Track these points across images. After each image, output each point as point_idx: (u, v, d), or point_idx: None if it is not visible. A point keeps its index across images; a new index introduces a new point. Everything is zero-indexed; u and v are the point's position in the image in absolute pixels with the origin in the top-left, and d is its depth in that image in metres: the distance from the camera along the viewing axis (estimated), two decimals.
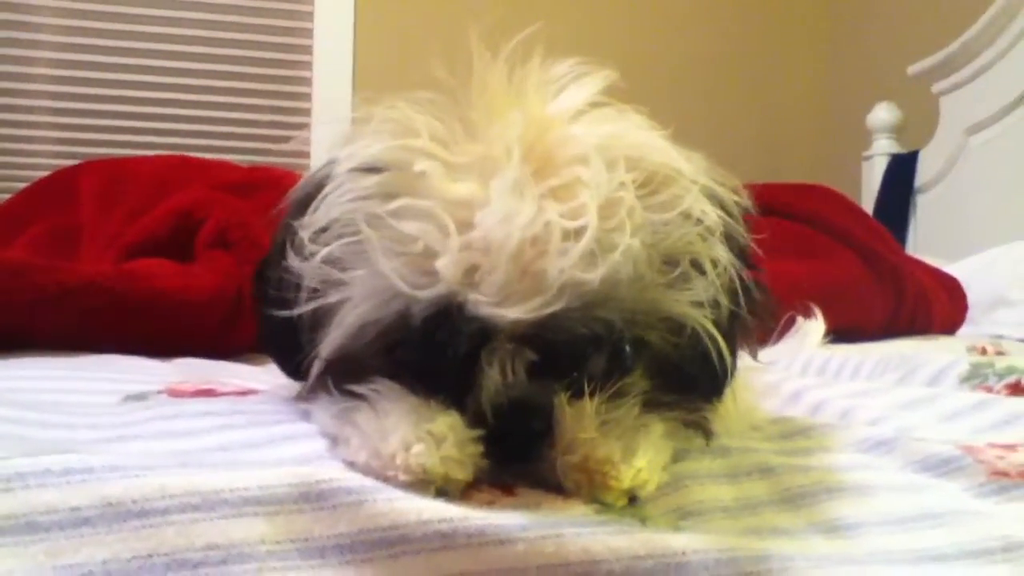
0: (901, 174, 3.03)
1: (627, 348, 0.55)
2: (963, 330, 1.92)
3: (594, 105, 0.59)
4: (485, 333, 0.52)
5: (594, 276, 0.51)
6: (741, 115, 3.54)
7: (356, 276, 0.54)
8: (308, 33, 3.15)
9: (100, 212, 1.19)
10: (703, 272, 0.56)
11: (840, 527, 0.54)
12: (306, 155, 2.75)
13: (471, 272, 0.51)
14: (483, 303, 0.51)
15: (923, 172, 2.97)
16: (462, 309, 0.51)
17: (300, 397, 0.62)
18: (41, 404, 0.63)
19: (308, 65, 3.14)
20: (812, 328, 1.39)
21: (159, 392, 0.68)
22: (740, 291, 0.58)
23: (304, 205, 0.57)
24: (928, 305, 1.80)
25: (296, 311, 0.57)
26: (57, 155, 2.87)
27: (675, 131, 0.60)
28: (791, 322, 1.41)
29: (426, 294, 0.51)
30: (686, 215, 0.55)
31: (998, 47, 2.61)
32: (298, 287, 0.57)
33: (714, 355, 0.57)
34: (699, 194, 0.56)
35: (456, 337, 0.52)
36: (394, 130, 0.55)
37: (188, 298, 0.87)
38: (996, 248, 2.25)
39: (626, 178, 0.53)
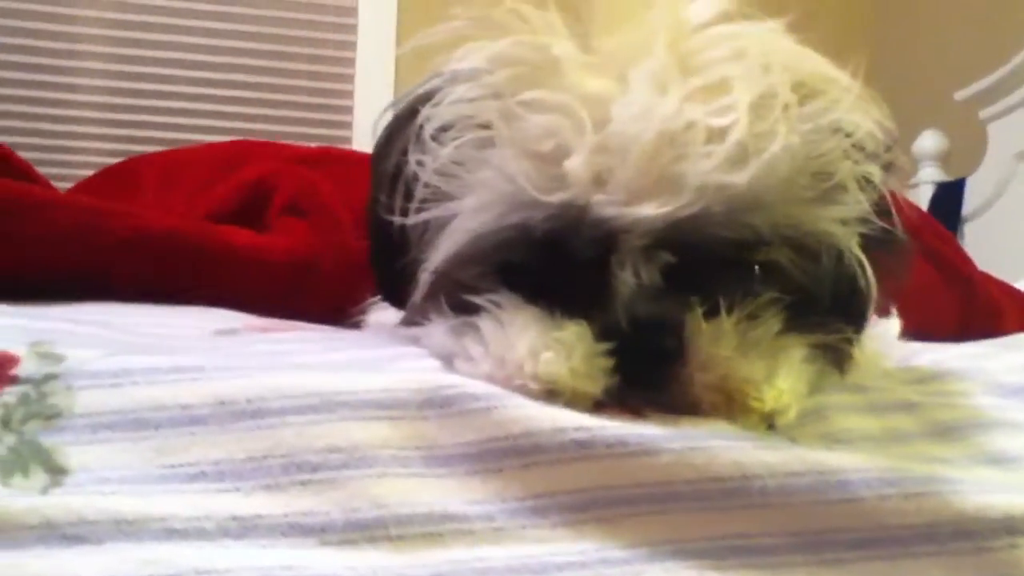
0: (948, 202, 2.97)
1: (768, 262, 0.51)
2: None
3: (732, 15, 0.55)
4: (614, 237, 0.48)
5: (742, 178, 0.47)
6: None
7: (478, 179, 0.50)
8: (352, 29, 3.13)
9: (162, 199, 1.16)
10: (854, 188, 0.52)
11: (1002, 459, 0.50)
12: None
13: (602, 175, 0.47)
14: (610, 203, 0.47)
15: (971, 199, 2.91)
16: (587, 212, 0.48)
17: (407, 321, 0.58)
18: (139, 334, 0.59)
19: (352, 62, 3.12)
20: (889, 325, 1.34)
21: (248, 329, 0.64)
22: (892, 213, 0.54)
23: (423, 102, 0.53)
24: (999, 316, 1.74)
25: (408, 220, 0.53)
26: (106, 152, 2.87)
27: None
28: None
29: (552, 199, 0.48)
30: (838, 127, 0.51)
31: None
32: (409, 193, 0.53)
33: (860, 276, 0.53)
34: (853, 105, 0.52)
35: (581, 242, 0.49)
36: (521, 27, 0.52)
37: (264, 258, 0.84)
38: None
39: (781, 78, 0.49)
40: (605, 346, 0.48)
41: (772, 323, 0.50)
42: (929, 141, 3.10)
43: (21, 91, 2.90)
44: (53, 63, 2.93)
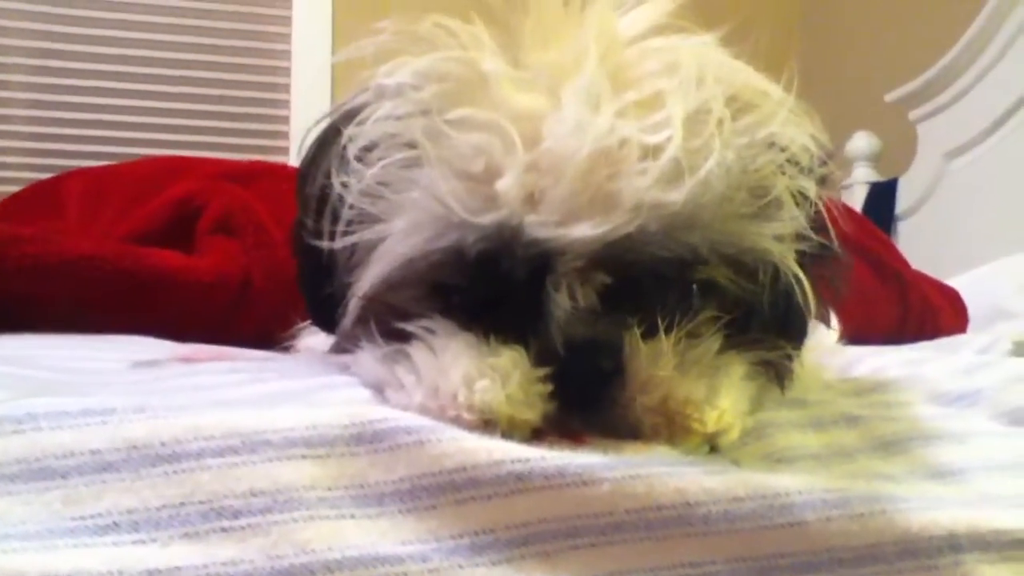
0: (881, 201, 3.03)
1: (705, 280, 0.50)
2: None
3: (666, 27, 0.54)
4: (548, 258, 0.47)
5: (678, 196, 0.45)
6: None
7: (406, 200, 0.48)
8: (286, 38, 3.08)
9: (86, 217, 1.12)
10: (789, 203, 0.51)
11: (945, 472, 0.49)
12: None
13: (535, 194, 0.46)
14: (543, 224, 0.45)
15: (903, 198, 2.97)
16: (520, 233, 0.46)
17: (337, 348, 0.55)
18: (53, 368, 0.56)
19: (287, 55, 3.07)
20: (828, 332, 1.35)
21: (171, 360, 0.61)
22: (827, 228, 0.54)
23: (347, 121, 0.51)
24: (935, 314, 1.77)
25: (335, 243, 0.51)
26: (32, 168, 2.79)
27: None
28: None
29: (484, 220, 0.46)
30: (772, 141, 0.50)
31: (976, 70, 2.62)
32: (335, 215, 0.51)
33: (798, 294, 0.52)
34: (787, 119, 0.51)
35: (515, 263, 0.47)
36: (449, 42, 0.50)
37: (192, 278, 0.81)
38: (992, 263, 2.24)
39: (715, 91, 0.48)
40: (542, 371, 0.46)
41: (712, 341, 0.49)
42: (862, 142, 3.16)
43: None
44: None
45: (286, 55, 3.05)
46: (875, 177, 3.15)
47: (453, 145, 0.46)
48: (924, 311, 1.76)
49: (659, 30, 0.52)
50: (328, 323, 0.57)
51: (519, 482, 0.42)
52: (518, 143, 0.45)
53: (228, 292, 0.83)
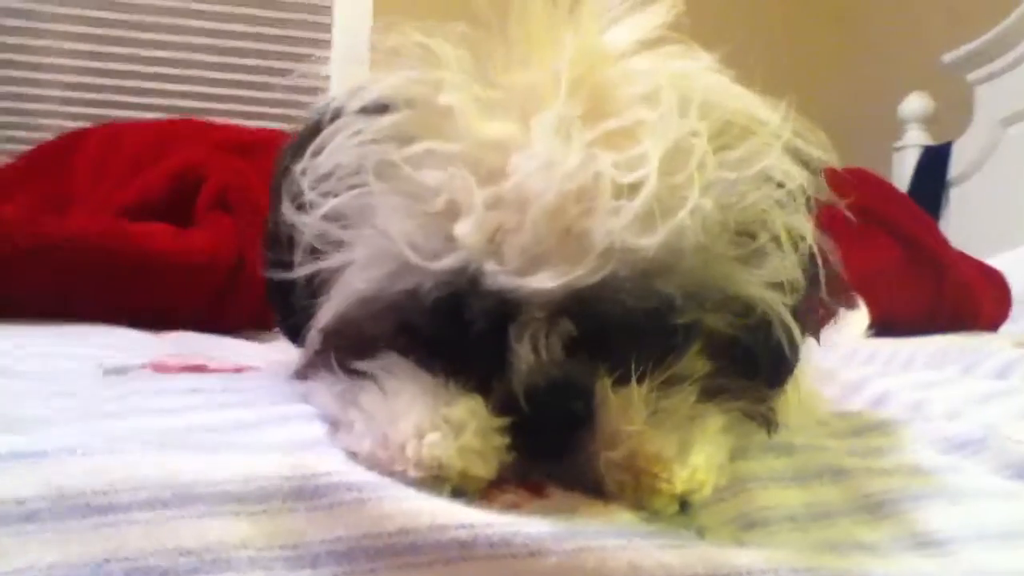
0: (933, 166, 2.93)
1: (687, 327, 0.46)
2: (1004, 327, 1.82)
3: (659, 40, 0.50)
4: (510, 307, 0.44)
5: (651, 241, 0.42)
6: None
7: (361, 237, 0.45)
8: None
9: (92, 180, 1.11)
10: (780, 246, 0.47)
11: (931, 541, 0.46)
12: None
13: (497, 237, 0.42)
14: (504, 272, 0.42)
15: (957, 164, 2.86)
16: (479, 280, 0.43)
17: (299, 373, 0.53)
18: (15, 372, 0.55)
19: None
20: (855, 319, 1.30)
21: (142, 366, 0.60)
22: (820, 269, 0.50)
23: (302, 148, 0.48)
24: (972, 299, 1.71)
25: (293, 274, 0.49)
26: (67, 116, 2.81)
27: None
28: (830, 312, 1.32)
29: (439, 265, 0.43)
30: (766, 176, 0.46)
31: None
32: (293, 245, 0.48)
33: (785, 343, 0.48)
34: (783, 151, 0.47)
35: (474, 312, 0.44)
36: (414, 61, 0.46)
37: (183, 261, 0.79)
38: None
39: (699, 125, 0.44)
40: (502, 421, 0.44)
41: (688, 392, 0.46)
42: (915, 104, 3.05)
43: None
44: (21, 24, 2.83)
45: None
46: (928, 141, 3.04)
47: (410, 182, 0.43)
48: (960, 298, 1.69)
49: (650, 44, 0.48)
50: (296, 341, 0.54)
51: (462, 550, 0.39)
52: (474, 186, 0.41)
53: (219, 274, 0.81)
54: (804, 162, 0.49)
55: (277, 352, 0.61)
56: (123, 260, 0.75)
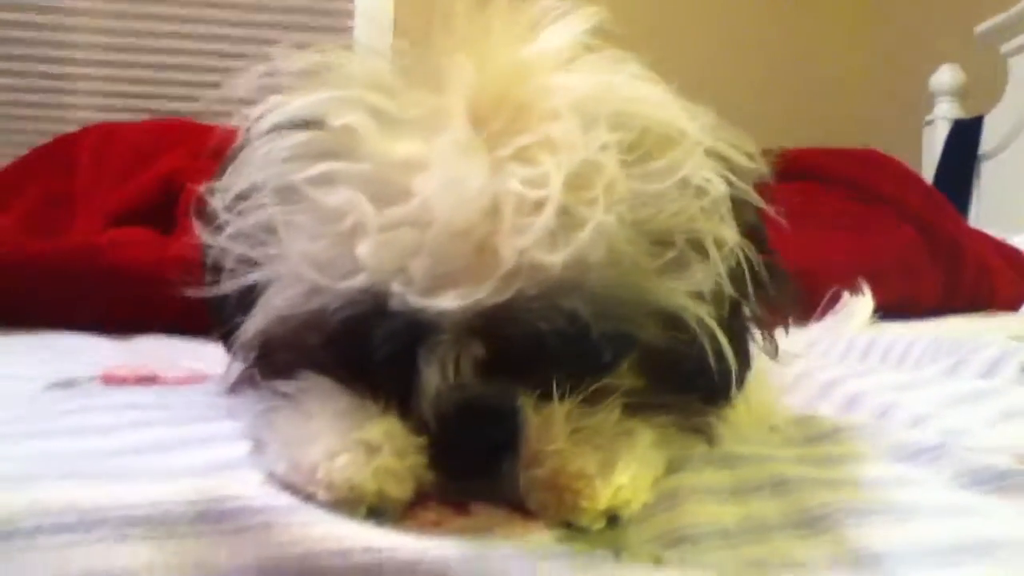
0: (964, 140, 2.86)
1: (604, 343, 0.45)
2: None
3: (584, 49, 0.49)
4: (419, 328, 0.43)
5: (556, 259, 0.41)
6: (788, 76, 3.33)
7: (276, 254, 0.45)
8: None
9: (93, 179, 1.12)
10: (704, 254, 0.46)
11: (868, 559, 0.44)
12: None
13: (402, 257, 0.41)
14: (407, 294, 0.41)
15: (988, 138, 2.79)
16: (385, 302, 0.42)
17: (227, 388, 0.53)
18: None
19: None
20: (858, 306, 1.28)
21: (92, 379, 0.60)
22: (749, 278, 0.48)
23: (221, 169, 0.48)
24: (990, 280, 1.67)
25: (213, 292, 0.48)
26: (98, 108, 2.85)
27: (712, 99, 0.50)
28: (836, 298, 1.30)
29: (345, 286, 0.42)
30: (685, 184, 0.45)
31: None
32: (210, 265, 0.48)
33: (712, 355, 0.47)
34: (703, 159, 0.46)
35: (381, 335, 0.43)
36: (327, 78, 0.46)
37: (156, 273, 0.79)
38: None
39: (609, 139, 0.43)
40: (421, 441, 0.43)
41: (612, 407, 0.45)
42: (946, 76, 2.98)
43: (16, 32, 2.88)
44: (52, 21, 2.87)
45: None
46: (959, 113, 2.97)
47: (314, 203, 0.42)
48: (978, 278, 1.65)
49: (576, 54, 0.47)
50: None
51: (368, 574, 0.39)
52: (372, 208, 0.40)
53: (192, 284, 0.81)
54: (730, 169, 0.47)
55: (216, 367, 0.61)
56: (97, 277, 0.76)
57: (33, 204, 1.16)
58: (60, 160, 1.22)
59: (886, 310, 1.34)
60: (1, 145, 2.66)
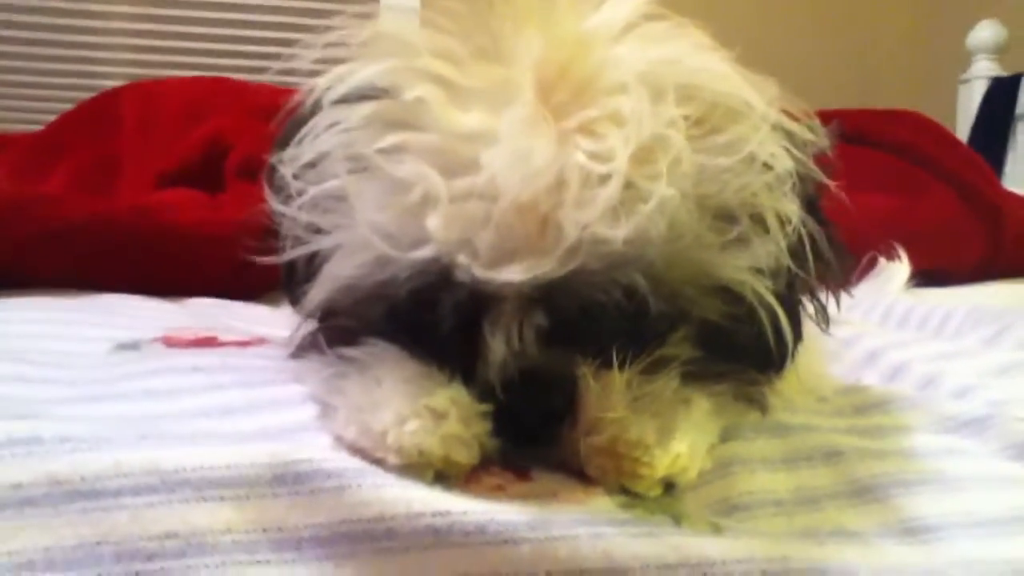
0: (1002, 99, 2.80)
1: (662, 316, 0.46)
2: None
3: (646, 18, 0.49)
4: (483, 299, 0.44)
5: (618, 233, 0.41)
6: (824, 35, 3.28)
7: (342, 225, 0.46)
8: None
9: (138, 140, 1.13)
10: (766, 229, 0.46)
11: (917, 528, 0.46)
12: None
13: (468, 230, 0.42)
14: (473, 266, 0.42)
15: None
16: (451, 273, 0.43)
17: (294, 353, 0.54)
18: (25, 352, 0.57)
19: None
20: (895, 271, 1.27)
21: (154, 340, 0.62)
22: (809, 252, 0.49)
23: (287, 139, 0.49)
24: None
25: (283, 258, 0.49)
26: (128, 77, 2.84)
27: (746, 53, 0.50)
28: (873, 262, 1.29)
29: (413, 257, 0.43)
30: (751, 160, 0.45)
31: None
32: (278, 232, 0.49)
33: (769, 327, 0.48)
34: (770, 134, 0.46)
35: (447, 305, 0.44)
36: (393, 48, 0.46)
37: (208, 232, 0.81)
38: None
39: (676, 113, 0.43)
40: (485, 408, 0.44)
41: (670, 376, 0.46)
42: (985, 32, 2.91)
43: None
44: None
45: None
46: (998, 72, 2.90)
47: (384, 173, 0.43)
48: (1021, 246, 1.63)
49: (636, 26, 0.47)
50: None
51: (437, 536, 0.41)
52: (443, 180, 0.41)
53: (244, 244, 0.82)
54: (796, 144, 0.47)
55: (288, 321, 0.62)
56: (147, 239, 0.77)
57: (80, 167, 1.17)
58: (103, 121, 1.23)
59: (926, 275, 1.33)
60: (30, 111, 2.66)
